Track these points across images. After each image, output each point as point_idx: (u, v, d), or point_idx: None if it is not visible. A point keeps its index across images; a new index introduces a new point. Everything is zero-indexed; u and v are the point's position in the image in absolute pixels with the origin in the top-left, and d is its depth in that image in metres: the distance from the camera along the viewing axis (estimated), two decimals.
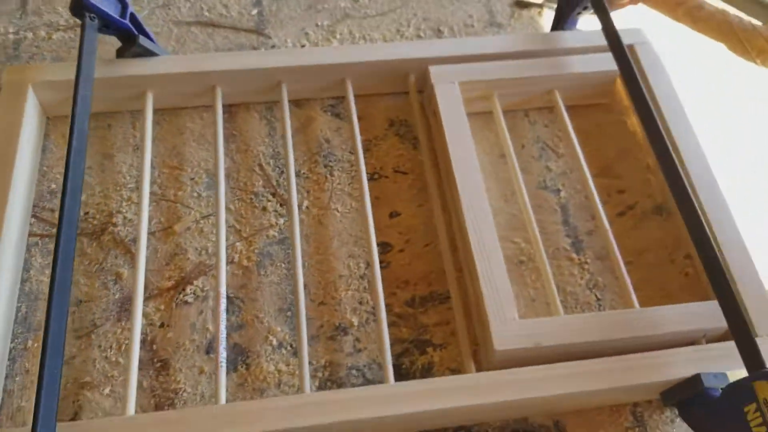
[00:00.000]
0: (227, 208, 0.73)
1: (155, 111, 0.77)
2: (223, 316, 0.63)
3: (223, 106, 0.78)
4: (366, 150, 0.78)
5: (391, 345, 0.66)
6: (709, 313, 0.64)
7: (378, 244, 0.72)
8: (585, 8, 0.82)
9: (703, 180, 0.72)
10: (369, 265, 0.70)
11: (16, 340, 0.65)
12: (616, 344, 0.63)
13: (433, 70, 0.77)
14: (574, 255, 0.72)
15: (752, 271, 0.67)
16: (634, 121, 0.81)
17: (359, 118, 0.79)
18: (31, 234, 0.71)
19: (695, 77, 0.88)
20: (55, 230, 0.66)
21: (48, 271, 0.67)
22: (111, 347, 0.65)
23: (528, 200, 0.72)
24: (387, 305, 0.68)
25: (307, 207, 0.74)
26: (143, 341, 0.65)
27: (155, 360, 0.64)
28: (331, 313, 0.68)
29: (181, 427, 0.56)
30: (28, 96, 0.73)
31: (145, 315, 0.66)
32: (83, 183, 0.70)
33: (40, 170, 0.75)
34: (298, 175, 0.76)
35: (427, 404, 0.58)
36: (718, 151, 0.80)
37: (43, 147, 0.76)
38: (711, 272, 0.61)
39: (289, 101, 0.80)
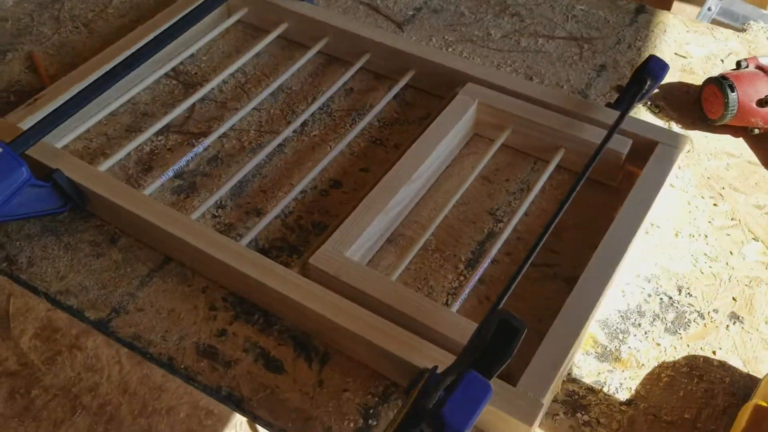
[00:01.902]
0: (267, 110, 0.97)
1: (282, 37, 1.05)
2: (190, 153, 0.87)
3: (324, 53, 1.02)
4: (390, 124, 0.95)
5: (275, 238, 0.83)
6: None
7: (333, 180, 0.89)
8: (642, 99, 0.87)
9: (597, 265, 0.73)
10: (315, 188, 0.88)
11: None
12: (410, 324, 0.70)
13: (468, 87, 0.91)
14: (461, 266, 0.80)
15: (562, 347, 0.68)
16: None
17: (408, 104, 0.97)
18: (164, 75, 1.03)
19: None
20: None
21: None
22: (138, 144, 0.93)
23: (465, 215, 0.82)
24: (299, 217, 0.85)
25: (314, 135, 0.94)
26: (152, 151, 0.92)
27: (146, 164, 0.91)
28: (263, 200, 0.87)
29: (107, 188, 0.81)
30: None
31: (165, 137, 0.94)
32: (210, 58, 1.00)
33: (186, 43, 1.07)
34: (329, 114, 0.96)
35: (236, 263, 0.74)
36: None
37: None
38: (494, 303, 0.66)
39: (370, 71, 1.01)
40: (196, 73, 1.03)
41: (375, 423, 0.68)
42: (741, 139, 0.92)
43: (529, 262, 0.70)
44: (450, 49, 1.05)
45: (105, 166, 0.86)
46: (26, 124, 0.87)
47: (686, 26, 1.08)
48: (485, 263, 0.77)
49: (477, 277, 0.76)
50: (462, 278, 0.79)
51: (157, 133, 0.94)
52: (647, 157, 0.84)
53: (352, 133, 0.90)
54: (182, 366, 0.73)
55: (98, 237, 0.84)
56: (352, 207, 0.82)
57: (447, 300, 0.77)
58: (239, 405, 0.70)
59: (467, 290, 0.75)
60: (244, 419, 1.67)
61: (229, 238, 0.77)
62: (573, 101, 0.89)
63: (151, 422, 1.65)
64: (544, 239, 0.71)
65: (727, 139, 0.92)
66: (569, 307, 0.71)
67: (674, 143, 0.84)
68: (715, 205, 0.85)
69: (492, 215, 0.85)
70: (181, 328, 0.76)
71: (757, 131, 0.90)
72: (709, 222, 0.83)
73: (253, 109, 0.97)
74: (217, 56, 1.05)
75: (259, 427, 0.72)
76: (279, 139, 0.89)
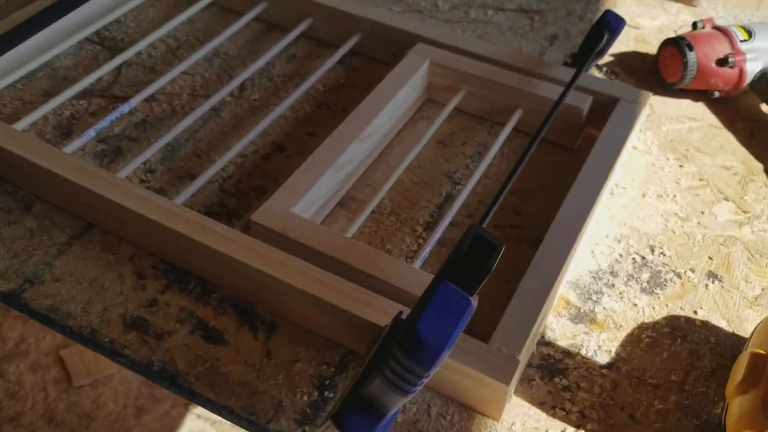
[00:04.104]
0: (202, 75, 0.90)
1: (216, 5, 0.97)
2: (112, 115, 0.79)
3: (262, 20, 0.95)
4: (337, 89, 0.89)
5: (213, 204, 0.75)
6: None
7: (276, 143, 0.82)
8: (600, 55, 0.83)
9: (562, 223, 0.68)
10: (257, 152, 0.80)
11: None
12: (369, 281, 0.63)
13: (419, 47, 0.85)
14: (419, 229, 0.74)
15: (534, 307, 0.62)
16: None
17: (354, 69, 0.91)
18: (87, 39, 0.94)
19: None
20: None
21: None
22: (52, 110, 0.84)
23: (420, 178, 0.76)
24: (238, 180, 0.78)
25: (254, 99, 0.87)
26: (72, 116, 0.83)
27: (65, 128, 0.82)
28: (197, 164, 0.79)
29: (17, 144, 0.72)
30: None
31: (88, 101, 0.85)
32: (138, 24, 0.93)
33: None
34: (270, 79, 0.89)
35: (167, 220, 0.66)
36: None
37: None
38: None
39: (315, 38, 0.95)
40: (122, 39, 0.94)
41: (332, 395, 0.61)
42: (701, 104, 0.89)
43: (502, 196, 0.63)
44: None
45: (18, 126, 0.77)
46: None
47: (637, 0, 1.06)
48: (445, 223, 0.71)
49: (437, 237, 0.69)
50: (421, 241, 0.73)
51: (79, 97, 0.85)
52: (608, 116, 0.80)
53: (295, 93, 0.83)
54: (106, 339, 0.64)
55: (10, 204, 0.74)
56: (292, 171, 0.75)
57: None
58: (173, 381, 0.62)
59: (427, 249, 0.68)
60: None
61: (160, 196, 0.69)
62: (529, 60, 0.85)
63: None
64: (504, 192, 0.64)
65: (687, 103, 0.89)
66: (536, 266, 0.65)
67: (636, 99, 0.80)
68: (680, 166, 0.81)
69: (449, 178, 0.79)
70: (104, 298, 0.67)
71: (717, 94, 0.87)
72: (676, 183, 0.79)
73: (186, 73, 0.89)
74: (146, 23, 0.97)
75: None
76: (214, 101, 0.82)
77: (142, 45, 0.88)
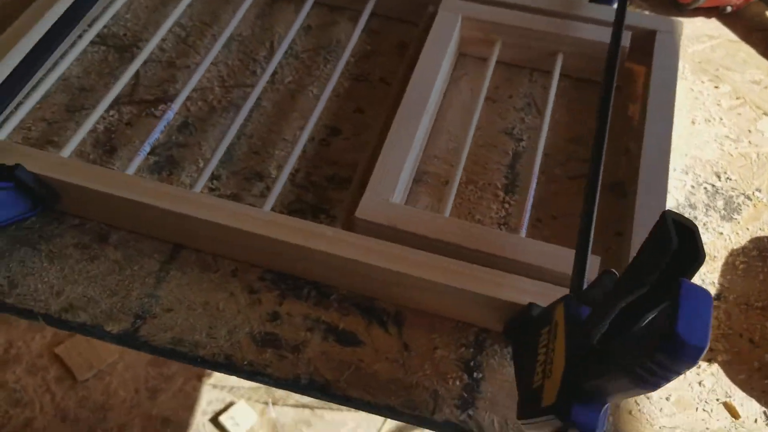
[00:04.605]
0: (224, 62, 0.85)
1: None
2: (161, 124, 0.75)
3: None
4: (366, 57, 0.87)
5: (291, 202, 0.74)
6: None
7: (330, 127, 0.80)
8: None
9: (653, 168, 0.71)
10: (313, 139, 0.79)
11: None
12: (481, 257, 0.65)
13: (444, 2, 0.84)
14: (501, 193, 0.75)
15: None
16: (635, 109, 0.82)
17: (375, 32, 0.89)
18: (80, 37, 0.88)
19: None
20: None
21: None
22: (95, 130, 0.79)
23: (483, 139, 0.77)
24: (308, 173, 0.76)
25: (288, 82, 0.84)
26: (108, 129, 0.79)
27: (107, 144, 0.78)
28: (259, 162, 0.77)
29: (83, 175, 0.68)
30: None
31: (119, 112, 0.80)
32: (135, 15, 0.89)
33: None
34: (296, 57, 0.87)
35: (274, 233, 0.65)
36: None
37: None
38: (581, 222, 0.62)
39: (324, 4, 0.91)
40: (125, 35, 0.89)
41: (481, 375, 0.63)
42: (714, 20, 0.93)
43: (602, 162, 0.65)
44: None
45: (65, 153, 0.72)
46: None
47: None
48: (533, 185, 0.72)
49: (531, 202, 0.71)
50: (507, 206, 0.74)
51: (107, 109, 0.80)
52: (645, 49, 0.82)
53: (334, 74, 0.81)
54: (245, 363, 0.64)
55: (83, 238, 0.71)
56: (366, 153, 0.75)
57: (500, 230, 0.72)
58: (326, 391, 0.63)
59: (527, 216, 0.70)
60: (205, 421, 1.56)
61: (249, 207, 0.67)
62: (561, 2, 0.85)
63: None
64: (603, 156, 0.67)
65: (701, 21, 0.92)
66: (642, 214, 0.68)
67: (672, 29, 0.82)
68: (716, 87, 0.85)
69: (509, 135, 0.80)
70: (224, 320, 0.66)
71: (729, 9, 0.91)
72: (718, 105, 0.83)
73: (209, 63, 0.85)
74: (142, 12, 0.91)
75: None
76: (255, 93, 0.79)
77: (153, 43, 0.83)
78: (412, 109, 0.75)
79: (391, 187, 0.69)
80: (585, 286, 0.58)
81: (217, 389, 1.61)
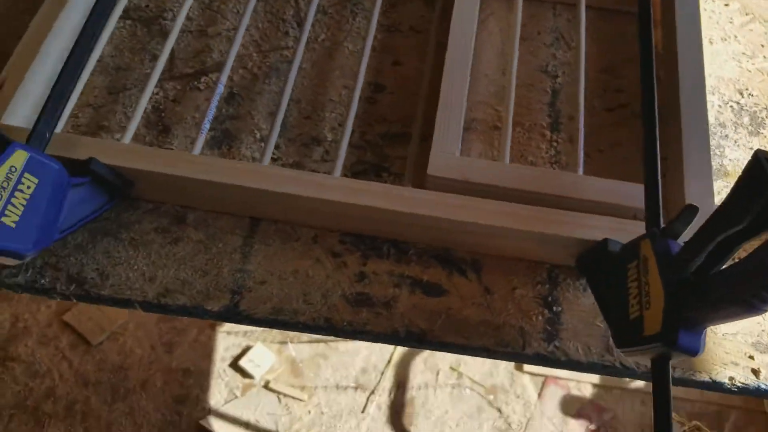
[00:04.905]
0: (255, 26, 0.84)
1: None
2: (215, 98, 0.74)
3: None
4: (392, 6, 0.86)
5: (353, 164, 0.75)
6: (641, 195, 0.68)
7: (373, 84, 0.81)
8: None
9: (692, 94, 0.74)
10: (360, 98, 0.79)
11: None
12: (545, 200, 0.68)
13: None
14: (548, 132, 0.78)
15: (706, 168, 0.69)
16: (658, 36, 0.84)
17: None
18: None
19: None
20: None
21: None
22: (131, 106, 0.78)
23: (518, 77, 0.78)
24: (362, 132, 0.77)
25: (322, 40, 0.84)
26: (155, 108, 0.78)
27: (160, 124, 0.77)
28: (312, 126, 0.77)
29: (157, 160, 0.68)
30: None
31: (163, 90, 0.79)
32: None
33: None
34: (324, 12, 0.86)
35: (353, 198, 0.67)
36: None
37: None
38: (646, 154, 0.65)
39: None
40: (147, 6, 0.86)
41: (560, 309, 0.68)
42: None
43: (656, 116, 0.68)
44: None
45: (125, 139, 0.72)
46: (10, 118, 0.70)
47: None
48: (581, 124, 0.75)
49: (582, 138, 0.74)
50: (555, 144, 0.77)
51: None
52: None
53: (371, 30, 0.80)
54: (344, 323, 0.67)
55: (161, 221, 0.71)
56: (420, 108, 0.76)
57: (554, 169, 0.75)
58: (423, 340, 0.66)
59: (581, 155, 0.73)
60: (225, 367, 1.60)
61: (324, 175, 0.69)
62: None
63: (130, 403, 1.54)
64: (654, 90, 0.69)
65: None
66: (689, 139, 0.71)
67: None
68: (726, 5, 0.88)
69: (545, 73, 0.82)
70: (317, 286, 0.68)
71: None
72: (731, 22, 0.86)
73: (237, 29, 0.83)
74: None
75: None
76: (296, 62, 0.78)
77: (181, 17, 0.81)
78: (457, 62, 0.76)
79: (455, 141, 0.71)
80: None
81: (231, 335, 1.65)
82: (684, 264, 0.55)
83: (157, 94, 0.79)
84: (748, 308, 0.50)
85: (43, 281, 0.68)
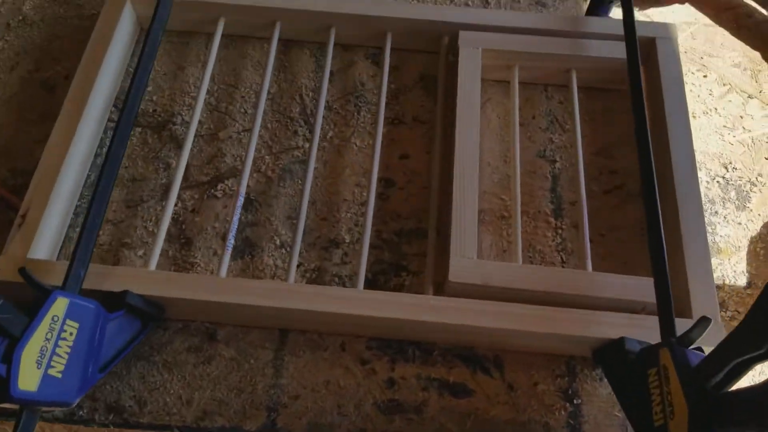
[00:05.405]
0: (265, 127, 0.83)
1: (224, 36, 0.88)
2: (237, 211, 0.73)
3: (280, 40, 0.87)
4: (394, 97, 0.86)
5: (372, 264, 0.75)
6: (651, 289, 0.68)
7: (383, 179, 0.80)
8: None
9: (685, 172, 0.75)
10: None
11: (82, 200, 0.78)
12: (560, 298, 0.69)
13: (463, 35, 0.83)
14: (552, 219, 0.78)
15: (705, 260, 0.70)
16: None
17: (394, 69, 0.87)
18: (109, 119, 0.83)
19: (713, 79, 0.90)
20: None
21: None
22: (151, 219, 0.77)
23: (520, 165, 0.78)
24: (377, 231, 0.77)
25: (330, 137, 0.83)
26: (175, 220, 0.77)
27: (182, 237, 0.76)
28: (330, 228, 0.77)
29: (186, 287, 0.67)
30: (125, 8, 0.85)
31: (181, 200, 0.78)
32: (157, 86, 0.83)
33: (127, 71, 0.87)
34: (330, 109, 0.85)
35: (380, 311, 0.67)
36: (715, 154, 0.83)
37: (133, 52, 0.88)
38: (652, 248, 0.66)
39: (338, 44, 0.88)
40: (155, 111, 0.84)
41: (580, 401, 0.69)
42: (687, 5, 0.95)
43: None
44: None
45: (152, 264, 0.71)
46: (36, 252, 0.69)
47: None
48: (584, 210, 0.75)
49: (587, 230, 0.74)
50: (560, 231, 0.78)
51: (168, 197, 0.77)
52: (643, 52, 0.84)
53: (379, 127, 0.80)
54: None
55: (193, 340, 0.71)
56: (433, 202, 0.76)
57: (562, 258, 0.76)
58: None
59: (588, 247, 0.73)
60: None
61: (348, 289, 0.69)
62: (569, 21, 0.86)
63: None
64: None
65: (677, 9, 0.95)
66: (687, 221, 0.72)
67: (669, 34, 0.85)
68: (704, 76, 0.89)
69: (543, 158, 0.82)
70: (349, 396, 0.68)
71: None
72: (710, 94, 0.87)
73: (248, 130, 0.83)
74: (163, 81, 0.87)
75: None
76: (311, 164, 0.77)
77: (192, 127, 0.79)
78: (466, 154, 0.76)
79: (471, 244, 0.71)
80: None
81: None
82: (705, 379, 0.57)
83: (175, 204, 0.78)
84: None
85: (81, 413, 0.67)
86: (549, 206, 0.79)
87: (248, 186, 0.79)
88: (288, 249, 0.75)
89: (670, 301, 0.64)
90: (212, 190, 0.79)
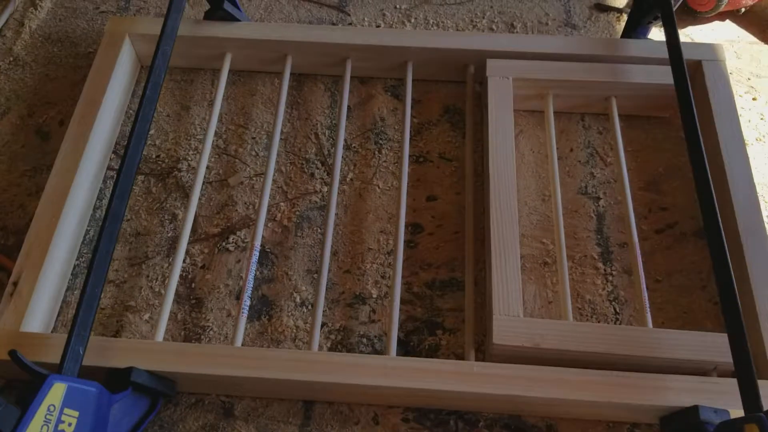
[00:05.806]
0: (279, 170, 0.74)
1: (231, 72, 0.78)
2: (252, 268, 0.64)
3: (292, 74, 0.78)
4: (417, 132, 0.76)
5: (404, 322, 0.65)
6: (723, 346, 0.59)
7: (410, 225, 0.71)
8: (657, 18, 0.76)
9: (747, 208, 0.66)
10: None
11: (80, 258, 0.68)
12: (619, 360, 0.60)
13: (491, 64, 0.74)
14: (600, 264, 0.69)
15: None
16: None
17: (417, 102, 0.78)
18: (108, 167, 0.74)
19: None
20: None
21: None
22: (157, 278, 0.67)
23: (561, 204, 0.69)
24: (407, 284, 0.67)
25: (351, 179, 0.73)
26: (184, 278, 0.67)
27: (192, 297, 0.66)
28: (354, 281, 0.67)
29: (198, 360, 0.58)
30: (124, 45, 0.76)
31: (189, 255, 0.68)
32: (160, 129, 0.74)
33: (127, 113, 0.78)
34: (348, 148, 0.75)
35: (417, 382, 0.57)
36: None
37: (133, 92, 0.79)
38: (725, 304, 0.56)
39: (354, 77, 0.79)
40: (158, 156, 0.75)
41: None
42: (728, 22, 0.86)
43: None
44: (412, 20, 0.86)
45: (159, 335, 0.61)
46: (29, 324, 0.59)
47: None
48: (638, 255, 0.65)
49: (644, 279, 0.64)
50: (610, 277, 0.68)
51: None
52: (691, 76, 0.75)
53: (403, 174, 0.71)
54: None
55: (207, 417, 0.61)
56: (468, 250, 0.67)
57: (615, 309, 0.66)
58: None
59: (646, 298, 0.63)
60: None
61: (381, 357, 0.59)
62: (603, 44, 0.77)
63: None
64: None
65: (717, 26, 0.86)
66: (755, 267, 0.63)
67: (716, 56, 0.75)
68: (754, 99, 0.80)
69: (586, 195, 0.73)
70: None
71: (743, 10, 0.84)
72: (761, 119, 0.78)
73: (260, 174, 0.73)
74: (166, 123, 0.77)
75: None
76: (332, 210, 0.68)
77: (200, 174, 0.70)
78: (504, 202, 0.66)
79: (516, 300, 0.61)
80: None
81: None
82: None
83: (184, 260, 0.69)
84: None
85: None
86: (596, 249, 0.69)
87: (263, 237, 0.70)
88: (309, 307, 0.66)
89: (751, 364, 0.54)
90: (223, 243, 0.69)
